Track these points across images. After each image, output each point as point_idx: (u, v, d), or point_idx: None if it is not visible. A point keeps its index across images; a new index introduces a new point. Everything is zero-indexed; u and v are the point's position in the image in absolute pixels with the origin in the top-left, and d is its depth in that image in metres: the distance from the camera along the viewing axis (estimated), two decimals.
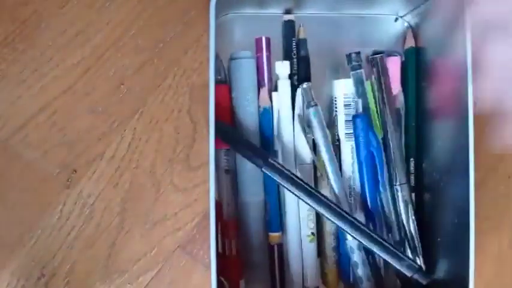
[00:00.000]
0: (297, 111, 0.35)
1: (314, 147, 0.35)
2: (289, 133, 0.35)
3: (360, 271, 0.34)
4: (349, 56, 0.35)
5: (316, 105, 0.34)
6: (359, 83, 0.35)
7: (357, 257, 0.34)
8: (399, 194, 0.35)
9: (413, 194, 0.36)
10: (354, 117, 0.35)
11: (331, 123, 0.36)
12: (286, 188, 0.32)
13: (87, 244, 0.36)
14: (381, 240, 0.32)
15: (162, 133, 0.37)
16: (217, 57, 0.34)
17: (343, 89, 0.36)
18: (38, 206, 0.36)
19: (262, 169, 0.32)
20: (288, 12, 0.37)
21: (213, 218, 0.29)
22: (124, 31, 0.37)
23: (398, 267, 0.33)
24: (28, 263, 0.36)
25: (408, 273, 0.33)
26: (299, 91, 0.35)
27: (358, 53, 0.35)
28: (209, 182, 0.29)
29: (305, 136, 0.35)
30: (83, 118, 0.37)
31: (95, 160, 0.36)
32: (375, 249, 0.32)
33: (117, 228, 0.36)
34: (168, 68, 0.37)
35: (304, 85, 0.34)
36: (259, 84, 0.35)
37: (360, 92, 0.35)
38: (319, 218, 0.35)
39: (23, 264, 0.35)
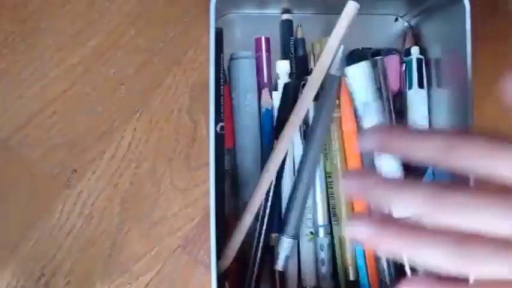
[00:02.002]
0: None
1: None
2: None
3: (325, 269, 0.34)
4: (352, 52, 0.36)
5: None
6: None
7: (324, 254, 0.34)
8: None
9: None
10: None
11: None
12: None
13: (87, 244, 0.36)
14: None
15: (162, 133, 0.37)
16: None
17: None
18: (38, 206, 0.36)
19: None
20: (286, 11, 0.37)
21: (213, 218, 0.29)
22: (124, 31, 0.37)
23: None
24: (28, 263, 0.36)
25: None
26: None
27: (363, 49, 0.36)
28: (209, 182, 0.29)
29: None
30: (83, 118, 0.37)
31: (95, 160, 0.36)
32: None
33: (117, 228, 0.36)
34: (168, 68, 0.37)
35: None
36: (259, 84, 0.35)
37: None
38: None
39: (23, 264, 0.35)
